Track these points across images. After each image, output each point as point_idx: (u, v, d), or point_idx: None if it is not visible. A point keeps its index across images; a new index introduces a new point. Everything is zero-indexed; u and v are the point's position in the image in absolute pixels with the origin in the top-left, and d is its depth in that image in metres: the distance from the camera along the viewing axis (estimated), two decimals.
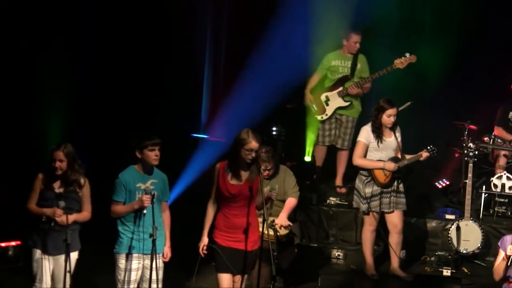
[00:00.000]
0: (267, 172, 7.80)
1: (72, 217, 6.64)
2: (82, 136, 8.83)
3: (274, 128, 9.80)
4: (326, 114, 9.67)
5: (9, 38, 9.27)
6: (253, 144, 6.38)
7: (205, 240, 6.54)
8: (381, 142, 8.15)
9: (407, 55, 9.32)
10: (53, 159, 6.64)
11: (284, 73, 9.93)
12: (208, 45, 11.03)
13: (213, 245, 6.51)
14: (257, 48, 10.31)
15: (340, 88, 9.59)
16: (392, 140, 8.19)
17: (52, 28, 9.50)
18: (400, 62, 9.33)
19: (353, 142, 9.22)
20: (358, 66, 9.59)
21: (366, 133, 8.19)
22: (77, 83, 9.77)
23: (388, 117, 8.08)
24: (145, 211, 6.55)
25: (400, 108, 8.49)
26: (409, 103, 8.64)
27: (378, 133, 8.13)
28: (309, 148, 9.89)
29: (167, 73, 10.61)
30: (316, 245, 9.28)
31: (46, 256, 6.67)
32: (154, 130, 6.89)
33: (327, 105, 9.63)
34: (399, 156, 8.21)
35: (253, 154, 6.39)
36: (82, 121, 9.80)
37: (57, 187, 6.69)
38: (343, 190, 9.77)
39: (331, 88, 9.64)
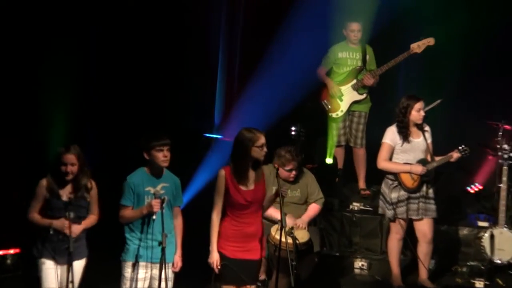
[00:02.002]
0: (294, 172, 7.69)
1: (81, 227, 6.52)
2: (90, 137, 8.95)
3: (293, 128, 9.58)
4: (342, 111, 9.44)
5: (14, 36, 9.24)
6: (263, 138, 6.34)
7: (216, 255, 6.37)
8: (409, 143, 7.99)
9: (423, 38, 9.19)
10: (64, 163, 6.42)
11: (303, 70, 9.75)
12: (222, 42, 11.03)
13: (225, 262, 6.36)
14: (274, 44, 10.28)
15: (354, 81, 9.38)
16: (420, 141, 8.01)
17: (59, 24, 9.49)
18: (417, 46, 9.18)
19: (366, 138, 9.39)
20: (367, 58, 9.41)
21: (391, 134, 8.03)
22: (85, 81, 9.75)
23: (418, 111, 7.98)
24: (154, 217, 6.37)
25: (430, 107, 8.39)
26: (438, 101, 8.50)
27: (404, 133, 7.97)
28: (330, 150, 9.67)
29: (180, 72, 10.60)
30: (338, 254, 9.08)
31: (54, 265, 6.52)
32: (166, 130, 6.76)
33: (341, 100, 9.40)
34: (429, 158, 8.01)
35: (265, 149, 6.34)
36: (91, 121, 9.77)
37: (65, 194, 6.49)
38: (367, 192, 9.54)
39: (343, 82, 9.41)
